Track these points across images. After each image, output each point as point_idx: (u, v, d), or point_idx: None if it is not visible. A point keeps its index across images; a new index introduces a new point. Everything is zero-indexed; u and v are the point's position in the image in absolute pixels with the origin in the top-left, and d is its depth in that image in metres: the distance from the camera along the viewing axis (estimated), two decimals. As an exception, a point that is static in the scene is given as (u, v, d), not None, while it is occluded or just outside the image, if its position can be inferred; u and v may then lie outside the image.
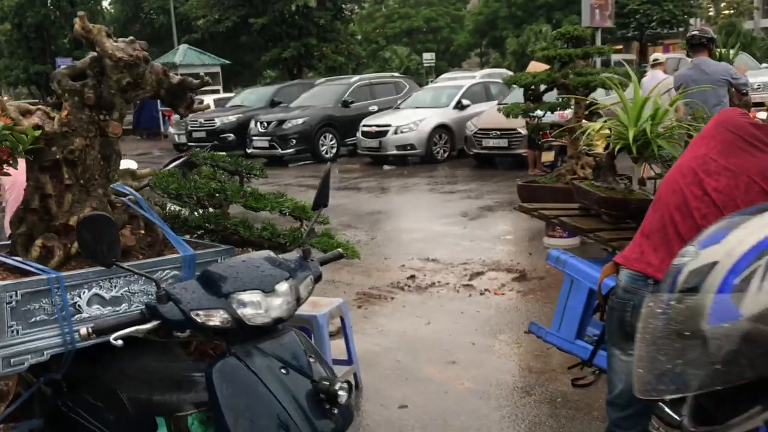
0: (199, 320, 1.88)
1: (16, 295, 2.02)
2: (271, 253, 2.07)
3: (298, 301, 2.02)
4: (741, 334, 0.91)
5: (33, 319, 2.06)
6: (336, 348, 4.06)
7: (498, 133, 12.17)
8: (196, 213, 2.70)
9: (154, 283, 1.92)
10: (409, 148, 13.70)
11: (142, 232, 2.51)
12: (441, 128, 13.85)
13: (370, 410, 3.75)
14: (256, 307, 1.90)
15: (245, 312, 1.89)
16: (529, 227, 7.57)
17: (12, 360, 2.03)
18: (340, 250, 2.40)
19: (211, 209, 2.68)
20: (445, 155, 14.00)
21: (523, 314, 5.04)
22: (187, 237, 2.67)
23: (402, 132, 13.68)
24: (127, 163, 4.57)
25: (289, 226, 2.80)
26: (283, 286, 1.96)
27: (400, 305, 5.42)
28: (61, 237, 2.31)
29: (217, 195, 2.63)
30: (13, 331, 2.02)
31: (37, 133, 2.18)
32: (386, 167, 13.78)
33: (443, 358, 4.33)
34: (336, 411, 1.88)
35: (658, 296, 0.98)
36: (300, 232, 2.71)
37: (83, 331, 1.83)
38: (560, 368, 4.03)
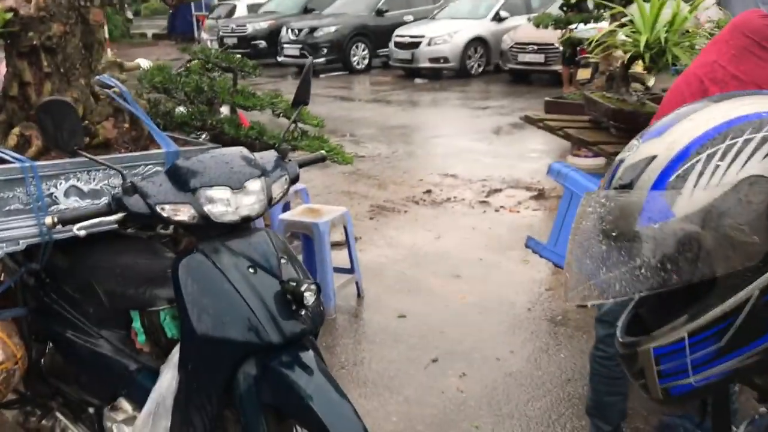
0: (164, 214, 1.82)
1: (-13, 183, 1.99)
2: (245, 150, 1.98)
3: (270, 201, 1.95)
4: (672, 236, 0.81)
5: (7, 208, 2.03)
6: (341, 258, 4.05)
7: (535, 47, 11.76)
8: (184, 109, 2.62)
9: (120, 175, 1.86)
10: (442, 61, 13.33)
11: (126, 125, 2.44)
12: (477, 41, 13.41)
13: (369, 318, 3.75)
14: (223, 204, 1.84)
15: (212, 209, 1.83)
16: (556, 146, 7.35)
17: (-15, 247, 2.02)
18: (322, 152, 2.30)
19: (199, 106, 2.60)
20: (480, 70, 13.61)
21: (536, 232, 4.93)
22: (175, 134, 2.60)
23: (436, 44, 13.28)
24: (142, 62, 4.50)
25: (281, 129, 2.70)
26: (253, 184, 1.89)
27: (413, 219, 5.36)
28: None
29: (205, 91, 2.54)
30: (-15, 219, 2.01)
31: (9, 15, 2.09)
32: (418, 80, 13.48)
33: (448, 272, 4.29)
34: (304, 312, 1.84)
35: (591, 194, 0.88)
36: (290, 134, 2.62)
37: (48, 220, 1.80)
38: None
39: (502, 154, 7.44)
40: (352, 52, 14.81)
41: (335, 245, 4.32)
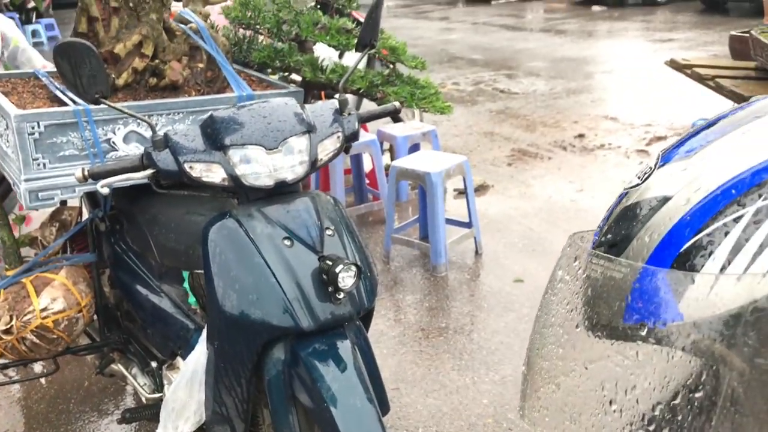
0: (193, 174, 1.62)
1: (38, 126, 1.89)
2: (292, 102, 1.71)
3: (315, 163, 1.68)
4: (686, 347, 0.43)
5: (61, 153, 1.94)
6: (457, 210, 3.73)
7: (734, -29, 10.28)
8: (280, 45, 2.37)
9: (148, 126, 1.67)
10: (624, -14, 12.10)
11: (200, 65, 2.26)
12: (666, -36, 12.00)
13: (482, 280, 3.43)
14: (256, 165, 1.60)
15: (244, 169, 1.60)
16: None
17: (40, 194, 1.94)
18: (395, 103, 1.96)
19: (288, 44, 2.34)
20: (669, -3, 12.23)
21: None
22: (260, 74, 2.39)
23: (618, -32, 12.06)
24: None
25: (373, 71, 2.38)
26: (294, 143, 1.63)
27: (555, 167, 4.86)
28: (107, 65, 2.13)
29: (285, 27, 2.28)
30: (39, 164, 1.91)
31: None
32: (596, 8, 12.40)
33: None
34: (342, 296, 1.57)
35: (575, 242, 0.52)
36: (381, 77, 2.30)
37: (78, 173, 1.66)
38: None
39: (675, 94, 6.57)
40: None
41: (461, 194, 3.99)
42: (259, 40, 2.55)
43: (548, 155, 5.08)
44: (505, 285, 3.34)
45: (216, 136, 1.62)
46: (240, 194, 1.69)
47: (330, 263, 1.55)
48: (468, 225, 3.63)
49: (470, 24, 11.16)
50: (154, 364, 2.18)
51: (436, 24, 11.89)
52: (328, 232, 1.65)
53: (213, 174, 1.62)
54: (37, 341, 2.06)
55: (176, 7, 2.32)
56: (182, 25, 2.25)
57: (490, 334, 2.94)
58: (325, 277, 1.56)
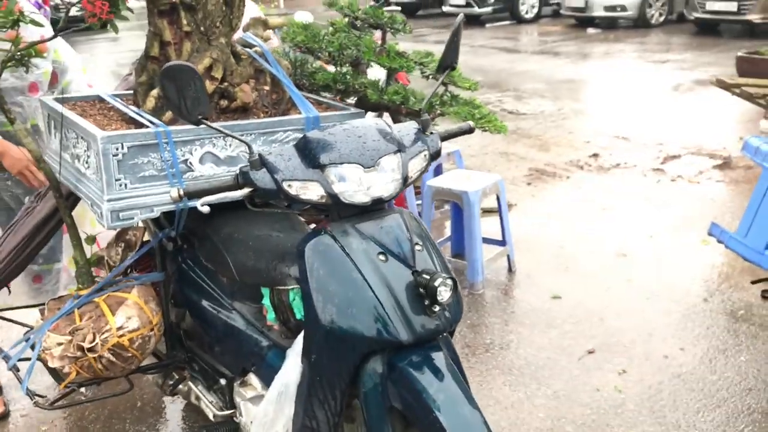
0: (291, 192, 1.66)
1: (122, 148, 1.93)
2: (382, 122, 1.77)
3: (406, 180, 1.73)
4: None
5: (141, 174, 1.97)
6: (493, 228, 3.78)
7: (727, -6, 10.53)
8: (327, 69, 2.44)
9: (246, 146, 1.72)
10: (619, 9, 12.36)
11: (266, 88, 2.31)
12: (659, -13, 12.26)
13: (520, 297, 3.47)
14: (353, 183, 1.65)
15: (341, 188, 1.65)
16: (747, 108, 6.52)
17: (121, 214, 1.97)
18: (470, 123, 2.03)
19: (345, 67, 2.41)
20: (661, 19, 12.50)
21: (718, 208, 4.37)
22: (322, 97, 2.44)
23: (612, -9, 12.31)
24: (303, 15, 4.40)
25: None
26: (387, 162, 1.68)
27: (575, 186, 4.94)
28: (179, 89, 2.17)
29: (348, 50, 2.34)
30: (120, 185, 1.95)
31: (148, -28, 2.00)
32: (591, 30, 12.62)
33: (612, 250, 3.88)
34: (438, 309, 1.62)
35: None
36: (438, 98, 2.36)
37: (174, 193, 1.69)
38: (752, 275, 3.44)
39: (683, 114, 6.71)
40: (521, 1, 14.11)
41: (487, 212, 4.05)
42: (312, 63, 2.61)
43: (566, 174, 5.16)
44: (543, 302, 3.39)
45: (313, 156, 1.67)
46: (332, 211, 1.73)
47: (428, 277, 1.60)
48: (501, 243, 3.68)
49: (468, 47, 11.30)
50: (222, 382, 2.20)
51: (433, 47, 12.03)
52: (417, 247, 1.70)
53: (310, 192, 1.67)
54: (113, 359, 2.08)
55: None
56: (248, 49, 2.31)
57: (536, 350, 2.98)
58: (422, 290, 1.60)
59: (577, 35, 12.33)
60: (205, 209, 1.68)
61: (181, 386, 2.40)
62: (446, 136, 1.93)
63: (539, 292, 3.47)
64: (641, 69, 9.14)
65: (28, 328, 2.52)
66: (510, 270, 3.70)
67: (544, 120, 6.76)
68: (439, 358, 1.63)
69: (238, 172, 1.72)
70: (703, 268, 3.64)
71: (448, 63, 1.91)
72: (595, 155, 5.54)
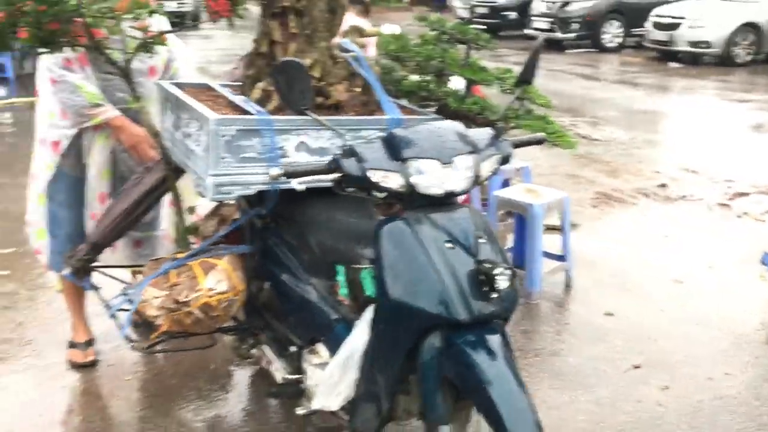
0: (374, 179, 1.89)
1: (230, 130, 2.20)
2: (460, 126, 1.98)
3: (477, 179, 1.94)
4: None
5: (243, 155, 2.23)
6: (554, 243, 3.93)
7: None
8: (416, 77, 2.66)
9: (340, 137, 1.95)
10: (703, 45, 12.22)
11: (358, 89, 2.55)
12: (747, 26, 12.08)
13: (574, 311, 3.61)
14: (431, 176, 1.86)
15: (419, 179, 1.86)
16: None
17: (222, 188, 2.23)
18: (542, 134, 2.22)
19: (427, 76, 2.63)
20: (748, 58, 12.27)
21: (783, 248, 4.39)
22: (404, 102, 2.67)
23: (698, 26, 12.18)
24: (390, 27, 4.66)
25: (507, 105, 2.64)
26: (462, 160, 1.89)
27: (640, 213, 5.03)
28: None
29: (434, 61, 2.56)
30: (225, 163, 2.21)
31: (267, -22, 2.27)
32: (673, 65, 12.50)
33: (670, 276, 3.97)
34: (495, 296, 1.81)
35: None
36: (514, 111, 2.56)
37: (274, 171, 1.94)
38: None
39: (756, 154, 6.68)
40: (603, 30, 14.10)
41: (549, 229, 4.20)
42: (397, 72, 2.84)
43: (632, 201, 5.25)
44: (596, 317, 3.52)
45: (397, 149, 1.89)
46: (408, 201, 1.95)
47: (489, 266, 1.79)
48: (561, 258, 3.83)
49: (547, 71, 11.39)
50: (293, 349, 2.44)
51: (512, 68, 12.16)
52: (482, 240, 1.90)
53: (391, 181, 1.89)
54: (201, 317, 2.34)
55: None
56: (344, 54, 2.56)
57: (584, 360, 3.12)
58: (483, 277, 1.80)
59: (658, 68, 12.26)
60: (301, 187, 1.93)
61: (254, 350, 2.65)
62: (518, 144, 2.13)
63: (593, 308, 3.60)
64: (720, 106, 9.07)
65: (126, 284, 2.83)
66: (567, 285, 3.84)
67: (615, 147, 6.83)
68: (493, 340, 1.82)
69: (330, 159, 1.96)
70: (757, 302, 3.70)
71: (525, 79, 2.11)
72: (663, 185, 5.60)
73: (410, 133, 1.93)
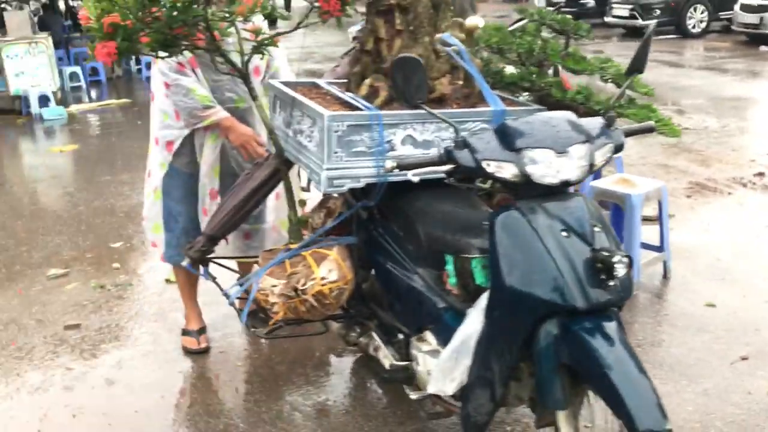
0: (488, 169, 1.93)
1: (342, 126, 2.29)
2: (573, 115, 2.01)
3: (591, 168, 1.96)
4: None
5: (354, 149, 2.32)
6: (650, 233, 3.87)
7: None
8: (514, 69, 2.69)
9: (453, 129, 2.01)
10: (797, 27, 11.65)
11: (460, 83, 2.59)
12: None
13: (673, 301, 3.56)
14: (546, 165, 1.89)
15: (534, 169, 1.90)
16: None
17: (335, 181, 2.32)
18: (651, 123, 2.22)
19: (530, 67, 2.65)
20: None
21: None
22: (504, 94, 2.70)
23: (792, 7, 11.63)
24: (475, 20, 4.69)
25: (608, 94, 2.64)
26: (577, 149, 1.91)
27: (737, 203, 4.89)
28: (387, 79, 2.50)
29: (536, 53, 2.59)
30: (337, 157, 2.30)
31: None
32: (764, 48, 11.97)
33: (772, 266, 3.86)
34: (612, 283, 1.84)
35: None
36: (618, 100, 2.55)
37: (389, 164, 2.01)
38: None
39: None
40: (688, 15, 13.64)
41: (645, 220, 4.13)
42: (496, 63, 2.87)
43: (728, 190, 5.11)
44: (696, 308, 3.46)
45: (510, 140, 1.93)
46: (521, 191, 1.98)
47: (607, 254, 1.82)
48: (659, 249, 3.78)
49: (628, 59, 11.12)
50: (401, 336, 2.51)
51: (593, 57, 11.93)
52: (596, 228, 1.92)
53: (505, 171, 1.93)
54: (315, 304, 2.44)
55: None
56: (446, 48, 2.61)
57: (687, 351, 3.08)
58: (600, 265, 1.82)
59: (747, 52, 11.78)
60: (416, 179, 1.99)
61: (362, 339, 2.74)
62: (630, 133, 2.14)
63: (693, 299, 3.54)
64: (818, 91, 8.67)
65: (240, 274, 2.97)
66: (665, 276, 3.79)
67: (707, 136, 6.63)
68: (611, 326, 1.84)
69: (441, 150, 2.02)
70: None
71: (636, 68, 2.11)
72: (761, 174, 5.42)
73: (523, 123, 1.97)
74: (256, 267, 2.61)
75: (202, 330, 3.27)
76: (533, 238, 1.88)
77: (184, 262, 2.84)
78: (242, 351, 3.22)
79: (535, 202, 1.92)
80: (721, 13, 13.51)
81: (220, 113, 2.90)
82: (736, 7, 12.53)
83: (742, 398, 2.74)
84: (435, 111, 2.20)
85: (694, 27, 13.74)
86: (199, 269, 2.85)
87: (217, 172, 3.04)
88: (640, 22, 13.74)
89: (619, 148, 2.05)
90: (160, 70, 2.89)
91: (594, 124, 2.04)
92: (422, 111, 2.10)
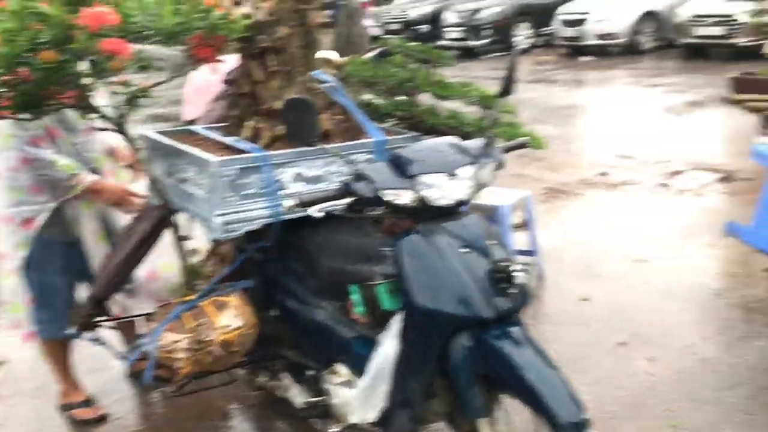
0: (386, 198, 2.01)
1: (232, 170, 2.28)
2: (456, 140, 2.13)
3: (479, 187, 2.09)
4: None
5: (245, 192, 2.31)
6: (519, 240, 4.12)
7: (713, 20, 11.03)
8: (386, 101, 2.81)
9: (349, 164, 2.07)
10: (610, 37, 12.86)
11: (340, 117, 2.67)
12: (648, 16, 12.80)
13: (550, 301, 3.81)
14: (439, 188, 2.00)
15: (429, 193, 1.99)
16: (740, 125, 6.93)
17: (229, 226, 2.31)
18: (525, 138, 2.41)
19: (401, 97, 2.78)
20: (652, 45, 12.99)
21: (724, 217, 4.71)
22: (379, 124, 2.80)
23: (603, 20, 12.83)
24: (329, 54, 4.79)
25: (475, 116, 2.83)
26: (465, 171, 2.03)
27: (588, 202, 5.32)
28: (268, 120, 2.53)
29: (407, 83, 2.71)
30: (230, 201, 2.29)
31: (247, 21, 2.37)
32: (583, 59, 13.09)
33: (629, 257, 4.23)
34: (513, 291, 1.96)
35: None
36: (487, 121, 2.74)
37: (290, 202, 2.04)
38: (761, 274, 3.80)
39: (681, 134, 7.12)
40: (514, 33, 14.65)
41: (514, 228, 4.40)
42: (363, 96, 2.98)
43: (578, 192, 5.54)
44: (572, 304, 3.72)
45: (404, 168, 2.02)
46: (419, 215, 2.07)
47: (505, 264, 1.94)
48: (531, 254, 4.03)
49: (465, 78, 11.76)
50: (311, 373, 2.51)
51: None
52: (491, 242, 2.05)
53: (403, 197, 2.01)
54: (221, 353, 2.40)
55: None
56: (323, 84, 2.68)
57: (572, 345, 3.30)
58: (500, 275, 1.95)
59: (569, 64, 12.81)
60: (320, 214, 2.03)
61: (270, 382, 2.71)
62: (506, 150, 2.30)
63: (568, 296, 3.81)
64: (636, 93, 9.59)
65: (124, 334, 2.83)
66: (540, 278, 4.04)
67: (551, 143, 7.10)
68: (518, 331, 1.97)
69: (341, 184, 2.07)
70: (713, 269, 4.00)
71: (506, 90, 2.28)
72: (604, 174, 5.92)
73: (413, 151, 2.07)
74: (140, 325, 2.51)
75: (89, 400, 3.07)
76: (436, 258, 1.97)
77: (69, 330, 2.67)
78: (141, 414, 3.07)
79: (433, 224, 2.02)
80: (542, 30, 14.61)
81: (87, 178, 2.75)
82: (555, 23, 13.61)
83: (627, 381, 2.98)
84: (328, 146, 2.25)
85: (521, 44, 14.75)
86: (82, 336, 2.69)
87: (104, 238, 2.88)
88: (472, 42, 14.55)
89: (500, 166, 2.20)
90: (12, 146, 2.69)
91: (475, 145, 2.18)
92: (309, 148, 2.14)
